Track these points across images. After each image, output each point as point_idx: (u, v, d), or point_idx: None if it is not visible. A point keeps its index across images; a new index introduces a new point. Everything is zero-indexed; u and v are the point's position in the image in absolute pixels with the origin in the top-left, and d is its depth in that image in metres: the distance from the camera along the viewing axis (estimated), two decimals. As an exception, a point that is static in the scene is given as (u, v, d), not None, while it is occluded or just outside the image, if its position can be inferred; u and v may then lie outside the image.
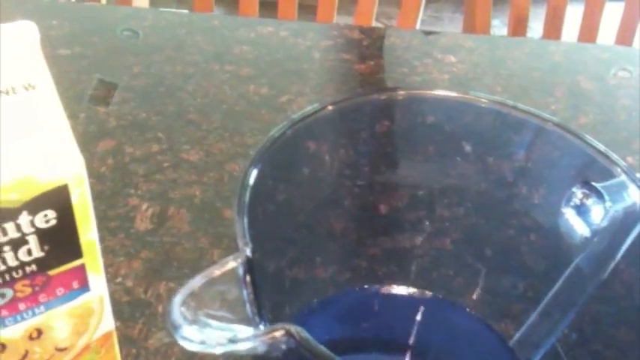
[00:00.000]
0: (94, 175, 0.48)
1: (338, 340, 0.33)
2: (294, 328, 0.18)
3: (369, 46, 0.65)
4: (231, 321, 0.19)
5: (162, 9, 0.71)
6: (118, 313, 0.38)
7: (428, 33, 0.67)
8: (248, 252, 0.20)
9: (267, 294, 0.33)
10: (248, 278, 0.20)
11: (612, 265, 0.26)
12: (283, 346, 0.18)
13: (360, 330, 0.33)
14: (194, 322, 0.19)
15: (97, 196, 0.47)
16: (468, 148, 0.29)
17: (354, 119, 0.28)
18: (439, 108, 0.28)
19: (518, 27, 0.85)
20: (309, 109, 0.25)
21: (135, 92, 0.56)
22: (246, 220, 0.21)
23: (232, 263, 0.19)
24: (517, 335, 0.31)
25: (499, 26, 0.88)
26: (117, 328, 0.35)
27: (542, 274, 0.30)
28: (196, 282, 0.19)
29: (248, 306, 0.20)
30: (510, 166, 0.30)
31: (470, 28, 0.85)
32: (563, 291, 0.29)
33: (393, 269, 0.33)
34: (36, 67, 0.25)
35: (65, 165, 0.21)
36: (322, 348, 0.18)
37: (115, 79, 0.58)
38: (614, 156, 0.26)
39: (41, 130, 0.22)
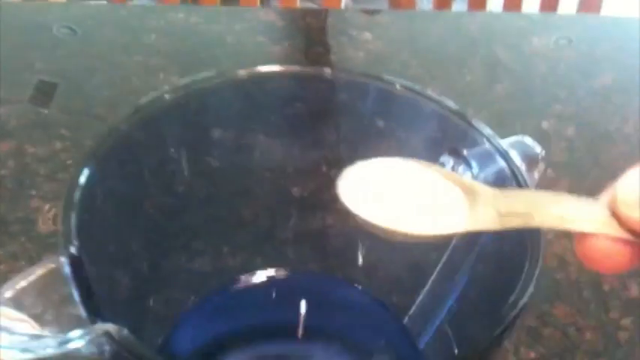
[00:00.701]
0: (-8, 178, 0.47)
1: (230, 332, 0.32)
2: (113, 328, 0.17)
3: (285, 28, 0.64)
4: (56, 323, 0.18)
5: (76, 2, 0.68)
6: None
7: (345, 12, 0.66)
8: (73, 250, 0.19)
9: (159, 289, 0.32)
10: (75, 277, 0.19)
11: (486, 237, 0.25)
12: (107, 347, 0.17)
13: (252, 318, 0.32)
14: (11, 328, 0.17)
15: (-4, 201, 0.46)
16: (336, 123, 0.28)
17: (205, 103, 0.27)
18: (294, 85, 0.28)
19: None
20: (155, 93, 0.24)
21: (37, 89, 0.54)
22: (74, 218, 0.20)
23: (53, 263, 0.18)
24: (409, 312, 0.31)
25: None
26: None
27: (427, 249, 0.30)
28: (15, 283, 0.18)
29: (78, 306, 0.19)
30: (381, 138, 0.29)
31: (395, 3, 0.84)
32: (444, 267, 0.28)
33: (271, 254, 0.32)
34: None
35: None
36: (143, 349, 0.17)
37: (18, 76, 0.55)
38: (481, 125, 0.26)
39: None
